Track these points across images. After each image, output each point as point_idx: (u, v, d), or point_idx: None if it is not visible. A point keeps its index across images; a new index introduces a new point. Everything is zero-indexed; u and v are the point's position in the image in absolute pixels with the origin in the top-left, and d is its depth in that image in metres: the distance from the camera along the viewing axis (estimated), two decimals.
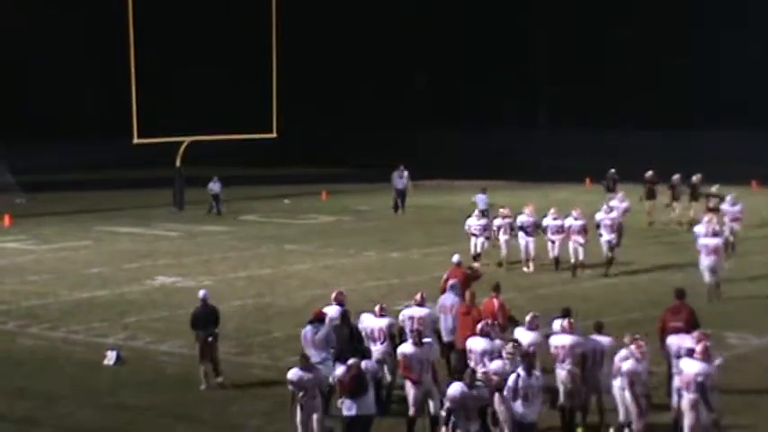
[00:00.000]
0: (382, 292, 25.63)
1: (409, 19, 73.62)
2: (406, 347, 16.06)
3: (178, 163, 44.79)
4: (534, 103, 73.45)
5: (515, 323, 17.42)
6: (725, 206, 31.88)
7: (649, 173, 38.09)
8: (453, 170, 58.44)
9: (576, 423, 16.07)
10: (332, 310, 17.90)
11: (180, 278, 28.62)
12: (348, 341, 16.92)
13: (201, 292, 19.36)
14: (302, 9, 64.68)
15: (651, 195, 37.79)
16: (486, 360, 15.86)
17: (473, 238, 29.34)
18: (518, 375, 14.43)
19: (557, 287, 26.83)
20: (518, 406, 14.35)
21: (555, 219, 28.80)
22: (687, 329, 16.84)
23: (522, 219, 29.23)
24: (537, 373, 14.69)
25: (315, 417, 14.98)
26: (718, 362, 15.05)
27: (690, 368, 14.66)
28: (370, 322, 17.57)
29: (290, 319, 23.33)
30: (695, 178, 37.18)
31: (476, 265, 27.13)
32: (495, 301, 18.28)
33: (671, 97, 64.73)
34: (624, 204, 33.64)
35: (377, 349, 17.26)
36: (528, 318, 16.82)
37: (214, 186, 42.92)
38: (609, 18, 66.89)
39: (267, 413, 17.11)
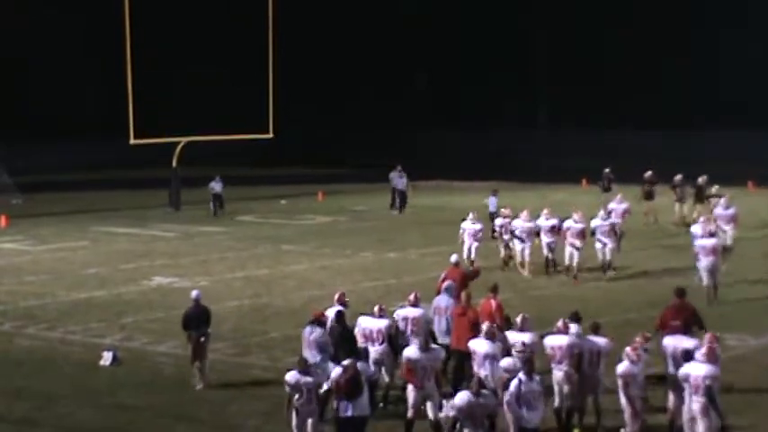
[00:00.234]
0: (379, 293, 25.59)
1: (409, 19, 73.64)
2: (413, 352, 15.84)
3: (174, 163, 44.79)
4: (534, 103, 73.47)
5: (509, 325, 17.35)
6: (718, 210, 31.55)
7: (648, 173, 37.90)
8: (453, 170, 58.44)
9: (572, 424, 16.04)
10: (335, 312, 17.85)
11: (177, 279, 28.59)
12: (342, 342, 16.89)
13: (194, 293, 19.34)
14: (302, 9, 64.76)
15: (649, 196, 37.57)
16: (488, 363, 15.82)
17: (467, 242, 29.05)
18: (520, 381, 14.39)
19: (554, 288, 26.79)
20: (522, 411, 14.31)
21: (548, 219, 28.53)
22: (685, 330, 16.83)
23: (518, 223, 28.83)
24: (537, 377, 14.63)
25: (310, 422, 14.91)
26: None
27: (697, 371, 14.58)
28: (368, 323, 17.49)
29: (287, 320, 23.32)
30: (701, 180, 36.72)
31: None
32: (493, 302, 18.22)
33: (671, 97, 64.74)
34: (623, 205, 32.95)
35: (375, 350, 17.23)
36: (518, 319, 16.77)
37: (216, 186, 42.81)
38: (609, 18, 66.89)
39: (265, 413, 17.08)
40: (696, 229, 26.52)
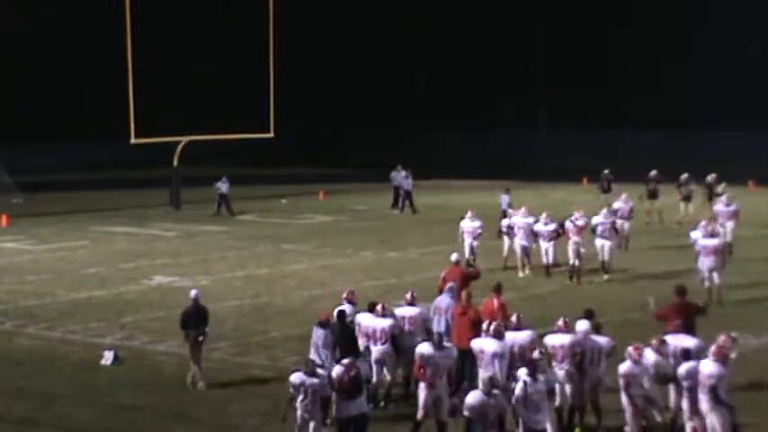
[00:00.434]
0: (379, 292, 25.51)
1: (409, 19, 73.64)
2: (426, 348, 15.77)
3: (175, 163, 44.79)
4: (534, 103, 73.46)
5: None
6: (719, 207, 31.48)
7: (653, 172, 37.58)
8: (453, 170, 58.45)
9: (573, 423, 16.01)
10: (337, 310, 17.79)
11: (177, 278, 28.58)
12: (342, 340, 16.84)
13: (193, 292, 19.28)
14: (302, 9, 64.73)
15: (653, 195, 37.47)
16: (496, 362, 15.72)
17: (466, 241, 29.07)
18: (525, 383, 14.29)
19: (554, 288, 26.77)
20: (529, 413, 14.27)
21: (546, 224, 28.23)
22: (686, 329, 16.80)
23: (516, 219, 28.82)
24: (541, 377, 14.56)
25: (311, 425, 14.77)
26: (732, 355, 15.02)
27: (703, 369, 14.57)
28: (370, 322, 17.42)
29: (287, 319, 23.31)
30: (710, 178, 36.59)
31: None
32: (495, 302, 18.18)
33: (671, 97, 64.73)
34: (629, 205, 32.70)
35: (377, 349, 17.17)
36: (513, 318, 16.71)
37: (222, 186, 42.69)
38: (609, 18, 66.89)
39: (265, 413, 17.04)
40: (696, 234, 26.20)
